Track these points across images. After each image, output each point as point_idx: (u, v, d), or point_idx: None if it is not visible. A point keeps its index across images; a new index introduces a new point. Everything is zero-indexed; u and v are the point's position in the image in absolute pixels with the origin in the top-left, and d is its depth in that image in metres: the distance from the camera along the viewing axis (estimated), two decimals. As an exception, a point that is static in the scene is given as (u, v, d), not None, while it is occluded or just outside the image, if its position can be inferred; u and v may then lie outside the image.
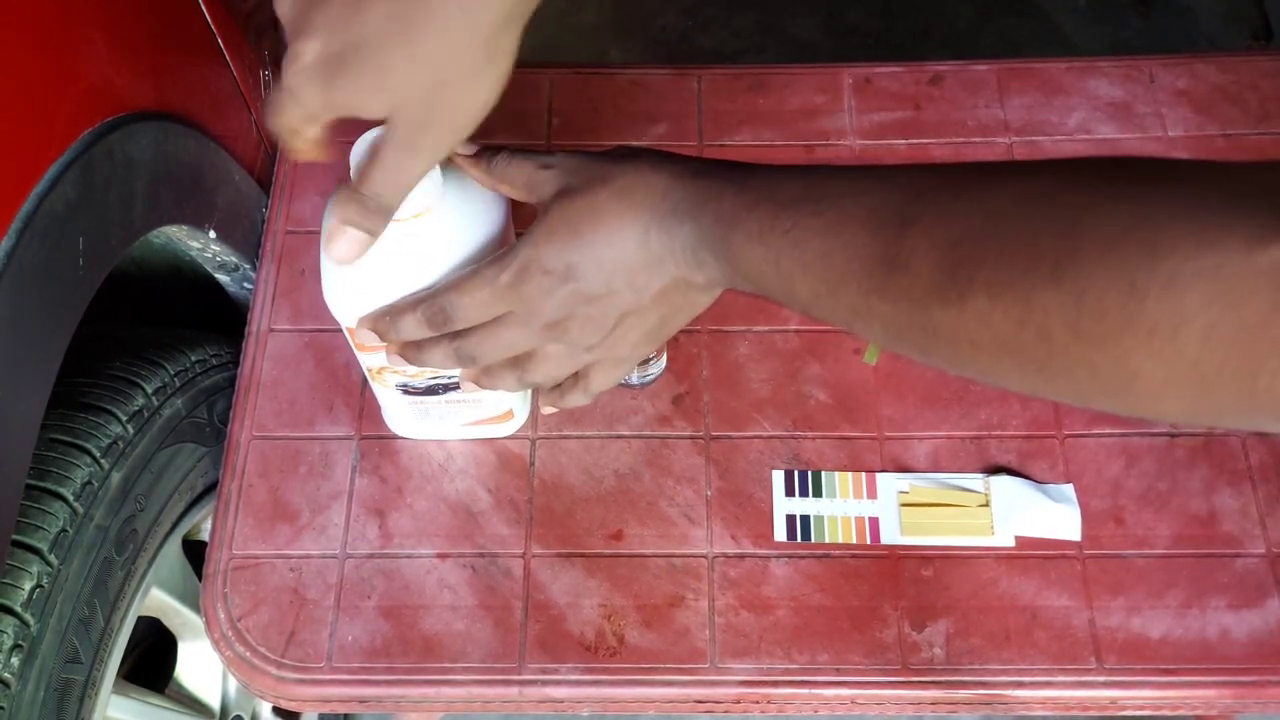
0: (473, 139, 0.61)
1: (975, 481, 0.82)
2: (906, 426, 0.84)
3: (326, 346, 0.87)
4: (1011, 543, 0.80)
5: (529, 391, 0.82)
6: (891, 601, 0.78)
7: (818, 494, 0.82)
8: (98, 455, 0.74)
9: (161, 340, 0.85)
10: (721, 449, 0.83)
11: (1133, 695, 0.76)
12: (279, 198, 0.93)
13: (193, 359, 0.86)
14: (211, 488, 0.89)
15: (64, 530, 0.71)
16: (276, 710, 1.10)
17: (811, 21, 1.72)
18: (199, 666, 0.97)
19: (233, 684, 1.01)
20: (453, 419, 0.80)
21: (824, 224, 0.51)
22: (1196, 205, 0.40)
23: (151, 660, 0.98)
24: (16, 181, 0.61)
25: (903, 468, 0.83)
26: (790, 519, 0.81)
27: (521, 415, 0.83)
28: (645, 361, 0.83)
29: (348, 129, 0.59)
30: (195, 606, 0.90)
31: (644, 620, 0.78)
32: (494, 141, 0.60)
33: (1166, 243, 0.39)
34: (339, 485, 0.82)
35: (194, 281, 0.94)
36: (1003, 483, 0.81)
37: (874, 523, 0.80)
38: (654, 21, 1.73)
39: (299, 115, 0.56)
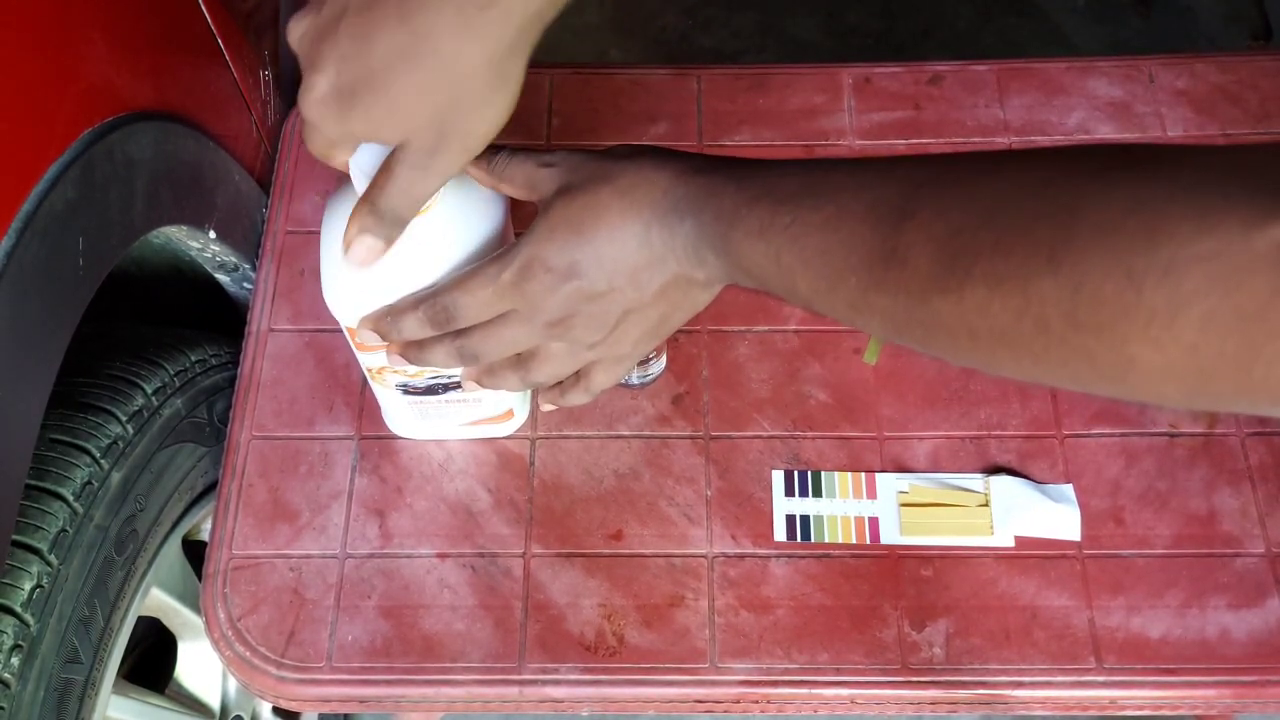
0: None
1: (975, 481, 0.82)
2: (906, 426, 0.84)
3: (326, 346, 0.87)
4: (1011, 543, 0.80)
5: (529, 391, 0.82)
6: (891, 601, 0.78)
7: (817, 494, 0.82)
8: (98, 455, 0.74)
9: (161, 340, 0.85)
10: (721, 449, 0.83)
11: (1132, 695, 0.76)
12: (279, 198, 0.93)
13: (193, 359, 0.86)
14: (211, 488, 0.89)
15: (64, 530, 0.71)
16: (276, 710, 1.10)
17: (811, 21, 1.72)
18: (199, 666, 0.97)
19: (233, 684, 1.01)
20: (452, 419, 0.80)
21: (823, 219, 0.51)
22: (1193, 189, 0.40)
23: (151, 660, 0.98)
24: (17, 181, 0.61)
25: (902, 468, 0.83)
26: (790, 519, 0.81)
27: (521, 415, 0.83)
28: (645, 361, 0.83)
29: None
30: (195, 606, 0.90)
31: (644, 620, 0.78)
32: (494, 141, 0.60)
33: (1164, 228, 0.39)
34: (339, 485, 0.82)
35: (194, 281, 0.94)
36: (1002, 483, 0.81)
37: (874, 523, 0.80)
38: (654, 21, 1.73)
39: (323, 142, 0.58)
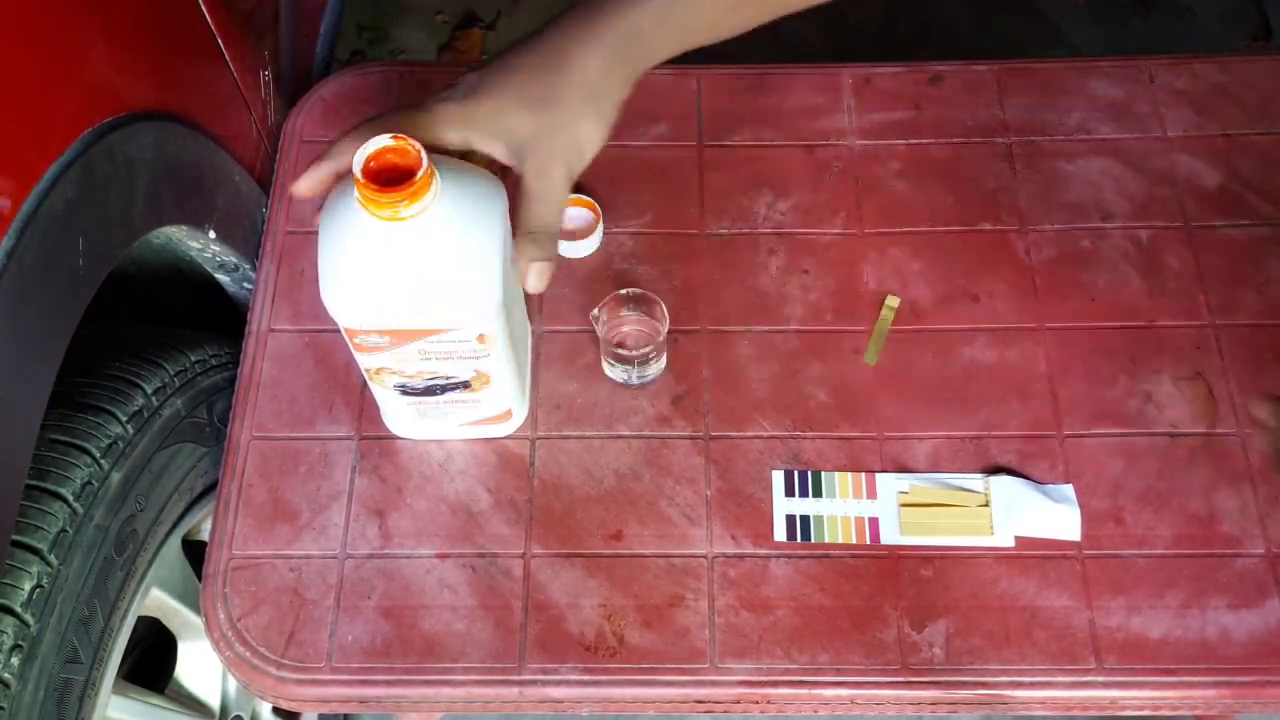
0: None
1: (975, 481, 0.82)
2: (906, 426, 0.84)
3: (326, 346, 0.87)
4: (1011, 543, 0.80)
5: (527, 390, 0.83)
6: (891, 601, 0.78)
7: (818, 494, 0.82)
8: (98, 455, 0.74)
9: (161, 340, 0.85)
10: (721, 449, 0.83)
11: (1132, 695, 0.76)
12: (279, 198, 0.93)
13: (193, 359, 0.86)
14: (211, 488, 0.89)
15: (64, 530, 0.70)
16: (276, 710, 1.10)
17: (811, 21, 1.72)
18: (199, 666, 0.97)
19: (233, 684, 1.01)
20: (451, 419, 0.80)
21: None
22: None
23: (151, 660, 0.98)
24: (17, 181, 0.61)
25: (902, 468, 0.83)
26: (790, 519, 0.81)
27: (520, 415, 0.83)
28: (645, 361, 0.83)
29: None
30: (195, 606, 0.90)
31: (644, 620, 0.78)
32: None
33: None
34: (339, 485, 0.82)
35: (194, 281, 0.94)
36: (1003, 483, 0.81)
37: (874, 523, 0.80)
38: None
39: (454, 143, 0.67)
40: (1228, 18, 1.71)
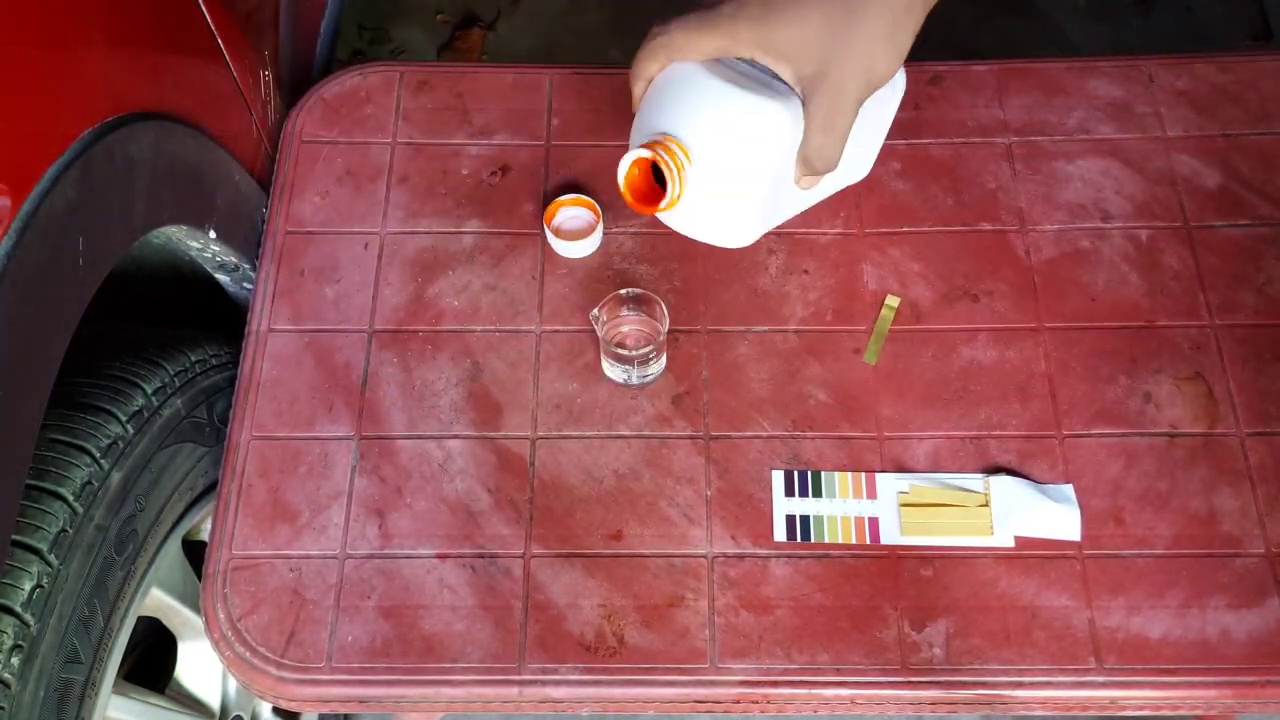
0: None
1: (975, 481, 0.82)
2: (906, 426, 0.84)
3: (326, 346, 0.87)
4: (1011, 543, 0.80)
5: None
6: (891, 601, 0.78)
7: (817, 494, 0.82)
8: (98, 455, 0.74)
9: (161, 340, 0.85)
10: (721, 449, 0.83)
11: (1133, 695, 0.76)
12: (279, 198, 0.93)
13: (193, 359, 0.86)
14: (211, 488, 0.89)
15: (64, 530, 0.70)
16: (276, 710, 1.10)
17: (811, 21, 1.71)
18: (199, 666, 0.97)
19: (233, 684, 1.01)
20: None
21: None
22: None
23: (151, 660, 0.98)
24: (17, 181, 0.61)
25: (902, 468, 0.83)
26: (790, 519, 0.81)
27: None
28: (645, 361, 0.83)
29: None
30: (195, 606, 0.90)
31: (644, 620, 0.78)
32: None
33: None
34: (339, 485, 0.82)
35: (194, 281, 0.94)
36: (1002, 483, 0.81)
37: (874, 523, 0.80)
38: (654, 22, 1.74)
39: (716, 47, 0.70)
40: (1228, 18, 1.71)
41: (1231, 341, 0.87)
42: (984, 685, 0.76)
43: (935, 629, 0.77)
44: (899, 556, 0.80)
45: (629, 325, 0.85)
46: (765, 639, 0.77)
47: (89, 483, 0.73)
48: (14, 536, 0.68)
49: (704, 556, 0.80)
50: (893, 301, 0.88)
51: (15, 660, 0.66)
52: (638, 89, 0.74)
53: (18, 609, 0.67)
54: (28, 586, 0.68)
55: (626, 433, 0.84)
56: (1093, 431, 0.84)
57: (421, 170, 0.95)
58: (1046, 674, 0.76)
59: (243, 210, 0.91)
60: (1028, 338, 0.87)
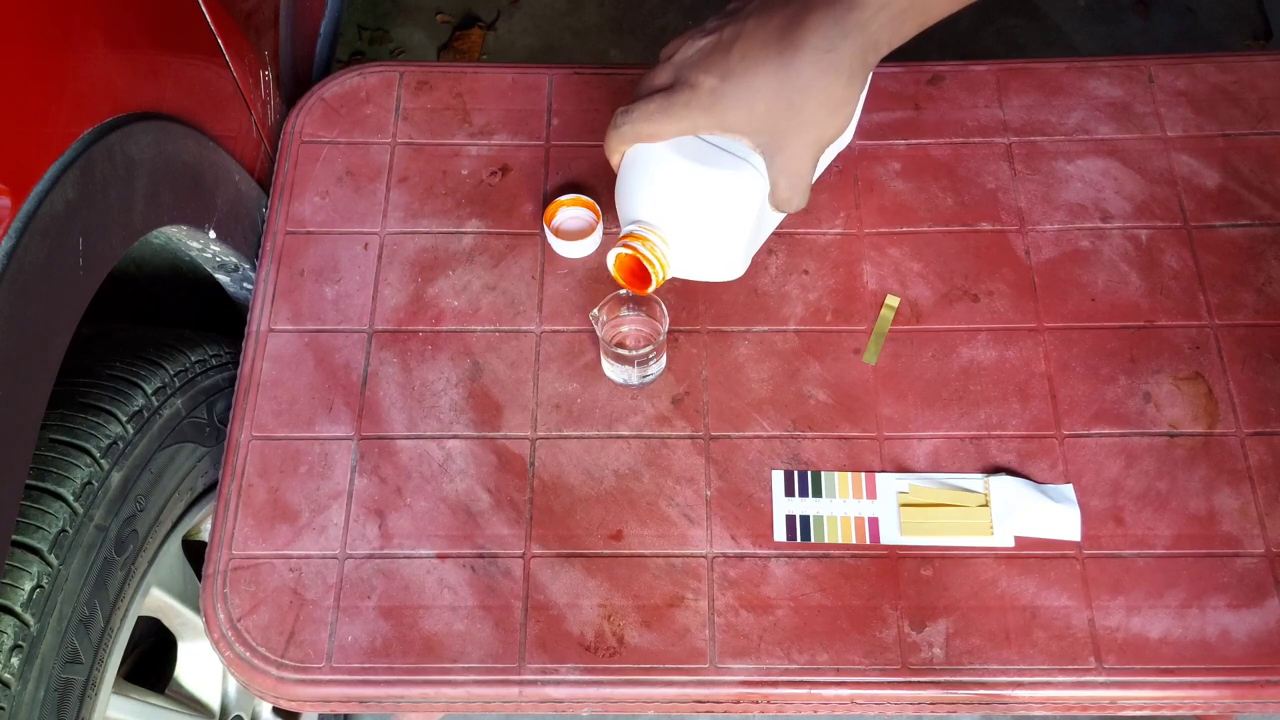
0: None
1: (975, 481, 0.82)
2: (906, 426, 0.84)
3: (326, 346, 0.87)
4: (1011, 543, 0.80)
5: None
6: (891, 601, 0.78)
7: (817, 494, 0.82)
8: (98, 455, 0.74)
9: (161, 340, 0.85)
10: (721, 449, 0.83)
11: (1132, 695, 0.76)
12: (279, 198, 0.93)
13: (193, 359, 0.86)
14: (211, 488, 0.89)
15: (64, 530, 0.71)
16: (276, 710, 1.10)
17: (811, 21, 1.71)
18: (199, 666, 0.97)
19: (233, 684, 1.01)
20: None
21: None
22: None
23: (151, 660, 0.98)
24: (17, 181, 0.61)
25: (902, 468, 0.83)
26: (790, 519, 0.81)
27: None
28: (645, 361, 0.83)
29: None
30: (195, 606, 0.90)
31: (644, 620, 0.78)
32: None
33: None
34: (339, 485, 0.82)
35: (194, 281, 0.94)
36: (1002, 483, 0.81)
37: (874, 523, 0.80)
38: (654, 21, 1.73)
39: (646, 132, 0.75)
40: (1228, 18, 1.71)
41: (1231, 341, 0.87)
42: (984, 685, 0.76)
43: (935, 629, 0.77)
44: (899, 556, 0.80)
45: (629, 325, 0.85)
46: (765, 639, 0.77)
47: (89, 483, 0.73)
48: (14, 536, 0.68)
49: (704, 556, 0.80)
50: (893, 301, 0.88)
51: (15, 660, 0.66)
52: (613, 162, 0.80)
53: (18, 609, 0.67)
54: (28, 586, 0.68)
55: (626, 433, 0.84)
56: (1093, 431, 0.84)
57: (421, 170, 0.95)
58: (1046, 674, 0.76)
59: (242, 210, 0.91)
60: (1028, 338, 0.87)
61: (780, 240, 0.91)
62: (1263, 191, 0.93)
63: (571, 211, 0.91)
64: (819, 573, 0.79)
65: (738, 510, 0.81)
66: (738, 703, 0.77)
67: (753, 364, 0.86)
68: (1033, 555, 0.80)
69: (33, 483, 0.70)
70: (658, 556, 0.80)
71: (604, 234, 0.91)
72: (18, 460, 0.63)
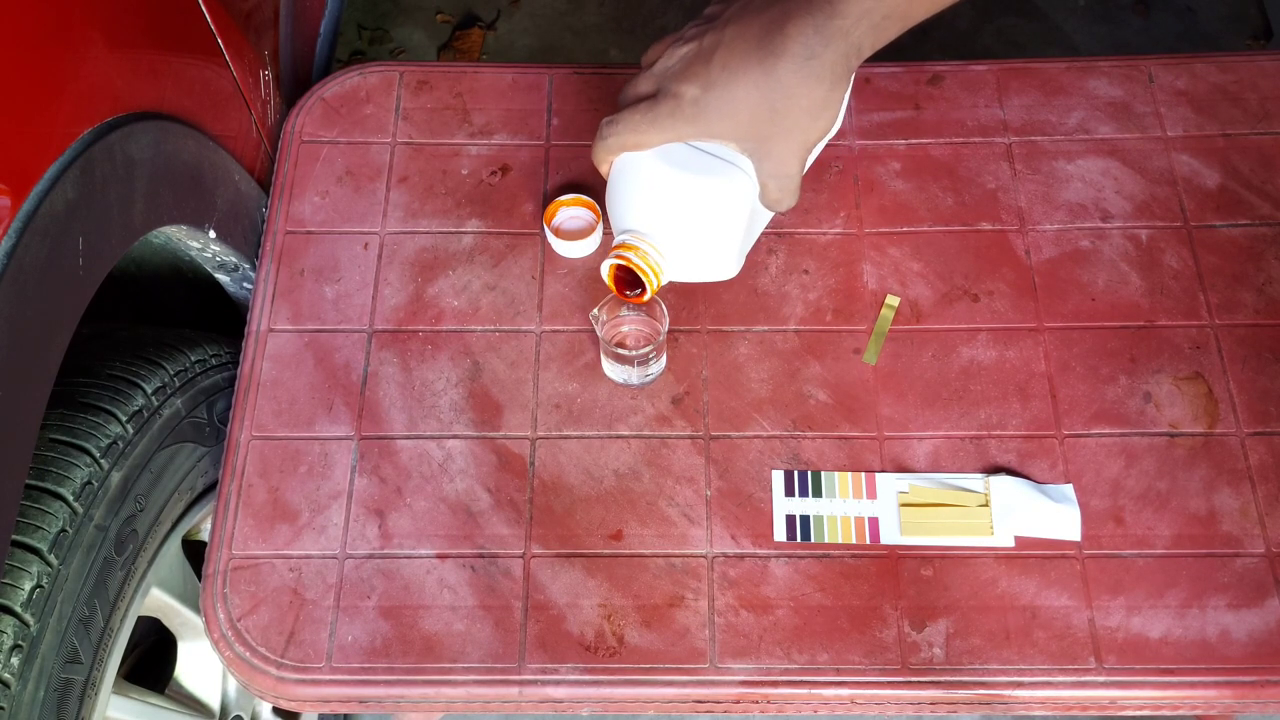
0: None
1: (975, 481, 0.82)
2: (906, 426, 0.84)
3: (326, 346, 0.87)
4: (1011, 543, 0.80)
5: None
6: (891, 601, 0.78)
7: (817, 494, 0.82)
8: (98, 455, 0.74)
9: (161, 340, 0.85)
10: (721, 449, 0.83)
11: (1133, 695, 0.76)
12: (279, 198, 0.93)
13: (193, 359, 0.86)
14: (211, 488, 0.89)
15: (64, 530, 0.70)
16: (276, 710, 1.10)
17: (811, 21, 1.71)
18: (199, 666, 0.97)
19: (233, 684, 1.01)
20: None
21: None
22: None
23: (151, 660, 0.98)
24: (17, 181, 0.61)
25: (902, 468, 0.83)
26: (790, 519, 0.81)
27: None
28: (645, 361, 0.83)
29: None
30: (195, 606, 0.90)
31: (644, 620, 0.78)
32: None
33: None
34: (339, 485, 0.82)
35: (194, 281, 0.94)
36: (1002, 483, 0.81)
37: (874, 523, 0.80)
38: (654, 21, 1.73)
39: (631, 142, 0.75)
40: (1228, 18, 1.71)
41: (1231, 341, 0.87)
42: (984, 685, 0.76)
43: (935, 629, 0.77)
44: (899, 556, 0.80)
45: (629, 325, 0.85)
46: (765, 639, 0.77)
47: (89, 483, 0.73)
48: (14, 536, 0.68)
49: (704, 556, 0.80)
50: (893, 301, 0.88)
51: (15, 660, 0.66)
52: (602, 170, 0.79)
53: (18, 609, 0.67)
54: (28, 586, 0.68)
55: (626, 433, 0.84)
56: (1093, 431, 0.84)
57: (421, 170, 0.95)
58: (1046, 674, 0.76)
59: (242, 210, 0.91)
60: (1028, 338, 0.87)
61: (780, 240, 0.91)
62: (1263, 191, 0.93)
63: (571, 211, 0.91)
64: (819, 573, 0.79)
65: (738, 510, 0.81)
66: (738, 703, 0.77)
67: (753, 364, 0.86)
68: (1033, 555, 0.80)
69: (33, 483, 0.70)
70: (658, 556, 0.80)
71: (604, 234, 0.91)
72: (18, 460, 0.63)
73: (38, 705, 0.68)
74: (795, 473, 0.82)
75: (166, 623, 0.92)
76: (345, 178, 0.94)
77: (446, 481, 0.82)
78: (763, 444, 0.83)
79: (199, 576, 0.83)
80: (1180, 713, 0.82)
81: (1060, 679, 0.76)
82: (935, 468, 0.83)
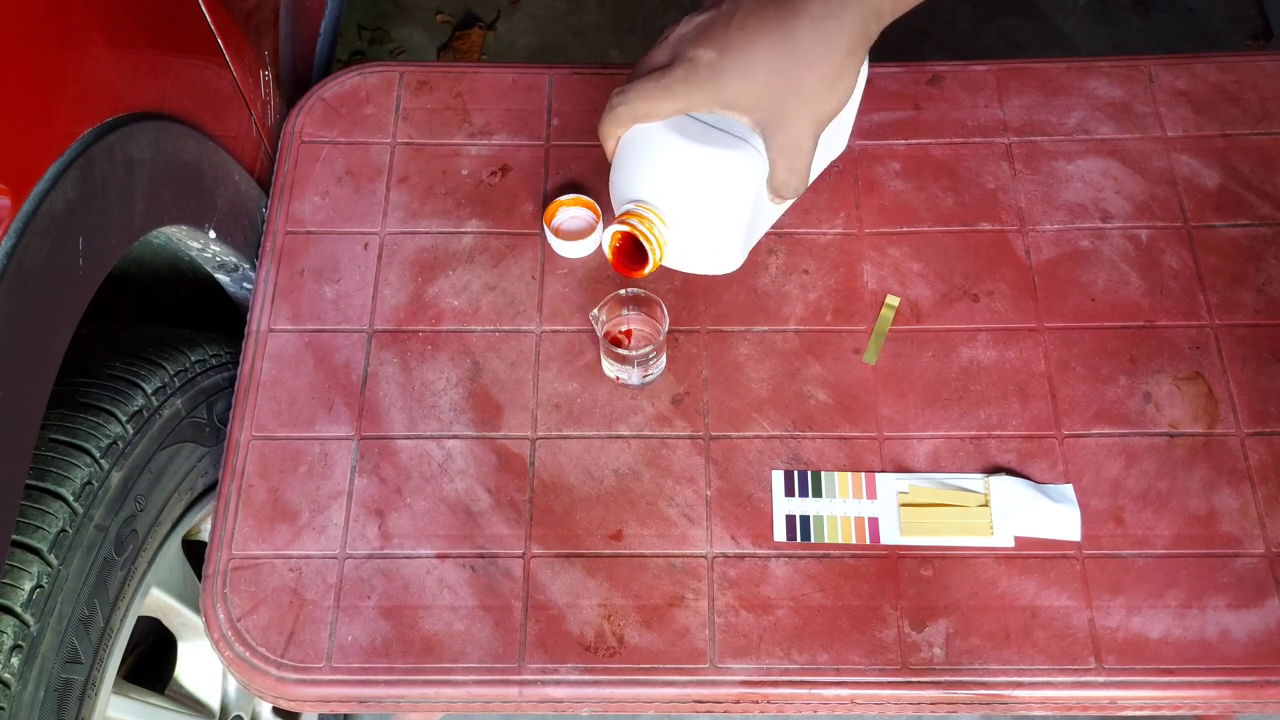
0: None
1: (975, 481, 0.82)
2: (906, 426, 0.84)
3: (326, 346, 0.87)
4: (1011, 543, 0.80)
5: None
6: (891, 601, 0.78)
7: (817, 494, 0.82)
8: (98, 455, 0.74)
9: (161, 340, 0.85)
10: (721, 449, 0.83)
11: (1132, 695, 0.76)
12: (279, 198, 0.93)
13: (193, 359, 0.86)
14: (211, 488, 0.89)
15: (64, 530, 0.70)
16: (276, 710, 1.10)
17: (811, 21, 1.71)
18: (199, 666, 0.97)
19: (233, 684, 1.01)
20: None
21: None
22: None
23: (151, 660, 0.98)
24: (17, 181, 0.61)
25: (902, 468, 0.83)
26: (790, 519, 0.81)
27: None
28: (645, 361, 0.83)
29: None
30: (195, 606, 0.90)
31: (644, 620, 0.78)
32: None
33: None
34: (338, 485, 0.82)
35: (194, 281, 0.94)
36: (1002, 483, 0.81)
37: (874, 523, 0.80)
38: (654, 21, 1.73)
39: (644, 110, 0.75)
40: (1228, 18, 1.71)
41: (1231, 341, 0.87)
42: (984, 685, 0.76)
43: (935, 629, 0.77)
44: (899, 556, 0.80)
45: (629, 325, 0.85)
46: (765, 639, 0.77)
47: (89, 483, 0.73)
48: (14, 536, 0.68)
49: (704, 556, 0.80)
50: (893, 301, 0.88)
51: (15, 660, 0.66)
52: (608, 147, 0.79)
53: (18, 609, 0.67)
54: (28, 586, 0.68)
55: (626, 433, 0.84)
56: (1093, 431, 0.84)
57: (421, 170, 0.95)
58: (1046, 674, 0.76)
59: (242, 210, 0.91)
60: (1027, 338, 0.87)
61: (780, 240, 0.91)
62: (1263, 191, 0.93)
63: (571, 211, 0.91)
64: (819, 573, 0.79)
65: (738, 510, 0.81)
66: (738, 703, 0.77)
67: (753, 364, 0.86)
68: (1033, 555, 0.80)
69: (33, 483, 0.70)
70: (658, 556, 0.80)
71: (604, 234, 0.91)
72: (18, 460, 0.63)
73: (38, 705, 0.68)
74: (795, 473, 0.82)
75: (166, 623, 0.92)
76: (345, 178, 0.94)
77: (446, 481, 0.82)
78: (763, 444, 0.83)
79: (199, 576, 0.83)
80: (1180, 713, 0.82)
81: (1060, 679, 0.76)
82: (935, 468, 0.83)
